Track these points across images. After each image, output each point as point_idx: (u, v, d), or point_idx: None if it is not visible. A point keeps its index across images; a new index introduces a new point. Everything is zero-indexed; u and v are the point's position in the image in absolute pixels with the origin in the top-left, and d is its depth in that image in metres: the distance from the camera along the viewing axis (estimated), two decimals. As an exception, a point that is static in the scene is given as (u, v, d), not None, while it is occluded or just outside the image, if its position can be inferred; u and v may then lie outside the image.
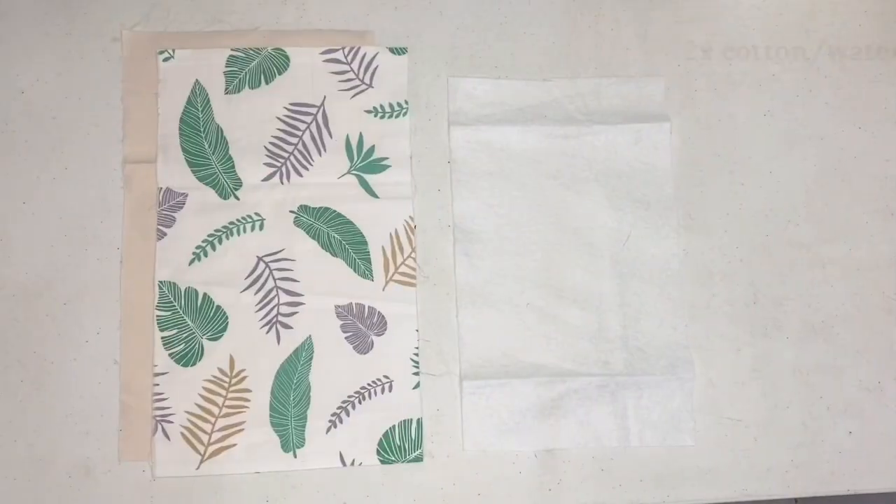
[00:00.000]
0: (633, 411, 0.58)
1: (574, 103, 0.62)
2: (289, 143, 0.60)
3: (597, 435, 0.58)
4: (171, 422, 0.56)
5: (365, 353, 0.58)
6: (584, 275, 0.60)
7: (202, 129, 0.60)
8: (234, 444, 0.56)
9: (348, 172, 0.60)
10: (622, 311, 0.60)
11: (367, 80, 0.61)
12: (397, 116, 0.61)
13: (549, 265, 0.60)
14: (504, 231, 0.61)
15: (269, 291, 0.58)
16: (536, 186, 0.61)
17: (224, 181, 0.59)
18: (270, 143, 0.60)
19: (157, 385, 0.57)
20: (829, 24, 0.65)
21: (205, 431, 0.56)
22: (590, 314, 0.60)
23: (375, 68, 0.62)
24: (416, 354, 0.58)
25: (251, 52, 0.61)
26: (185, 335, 0.57)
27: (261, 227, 0.59)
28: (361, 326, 0.58)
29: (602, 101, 0.63)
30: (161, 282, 0.58)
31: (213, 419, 0.56)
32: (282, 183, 0.60)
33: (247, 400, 0.57)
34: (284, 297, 0.58)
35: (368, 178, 0.60)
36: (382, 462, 0.57)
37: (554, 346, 0.59)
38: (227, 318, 0.58)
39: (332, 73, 0.61)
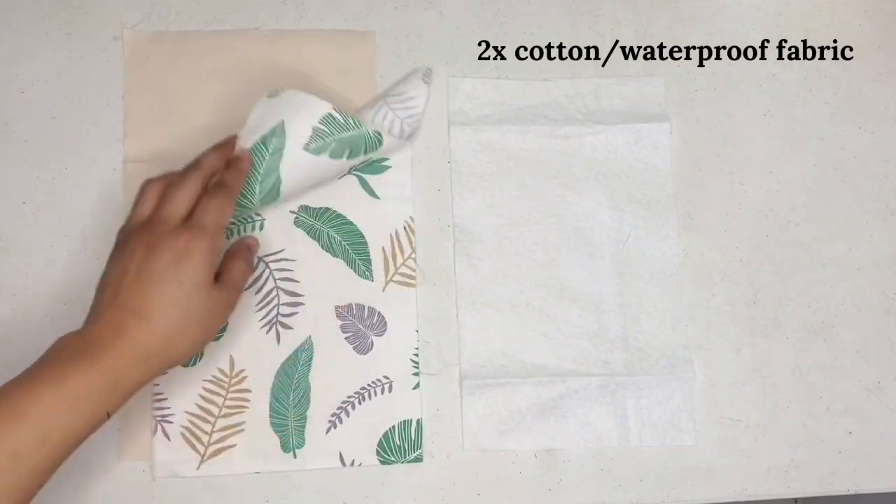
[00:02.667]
0: (634, 411, 0.58)
1: (574, 103, 0.62)
2: (289, 144, 0.60)
3: (597, 435, 0.58)
4: (171, 422, 0.56)
5: (365, 354, 0.58)
6: (584, 274, 0.60)
7: (202, 130, 0.60)
8: (234, 445, 0.56)
9: (349, 173, 0.60)
10: (622, 311, 0.60)
11: (367, 81, 0.61)
12: (398, 116, 0.61)
13: (549, 265, 0.60)
14: (504, 231, 0.61)
15: (270, 292, 0.58)
16: (536, 186, 0.61)
17: (224, 181, 0.59)
18: (271, 143, 0.60)
19: (157, 385, 0.57)
20: (829, 24, 0.65)
21: (205, 432, 0.56)
22: (590, 314, 0.60)
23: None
24: (416, 355, 0.58)
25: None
26: (185, 335, 0.57)
27: (261, 228, 0.59)
28: (361, 327, 0.58)
29: (602, 102, 0.63)
30: (161, 282, 0.58)
31: (213, 419, 0.57)
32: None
33: (247, 400, 0.57)
34: (284, 298, 0.58)
35: (369, 178, 0.60)
36: (382, 462, 0.57)
37: (554, 345, 0.59)
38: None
39: (333, 73, 0.61)
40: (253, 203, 0.55)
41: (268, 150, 0.54)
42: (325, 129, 0.55)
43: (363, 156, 0.58)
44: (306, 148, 0.55)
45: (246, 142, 0.54)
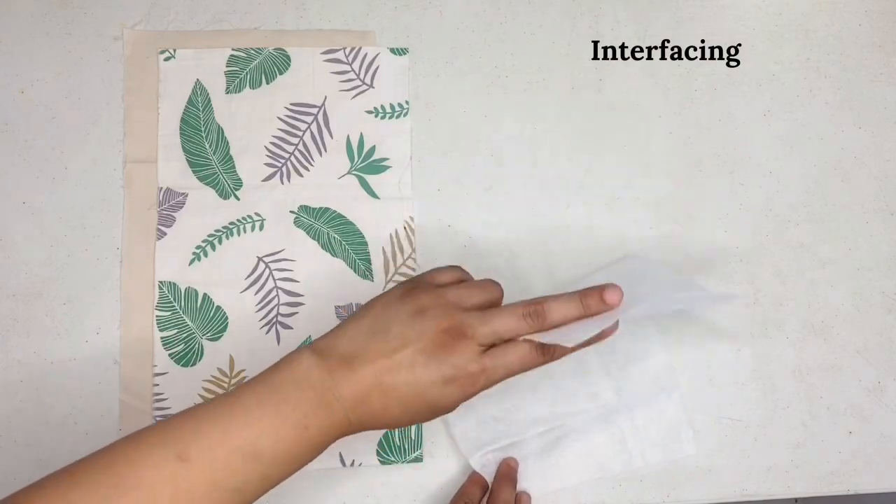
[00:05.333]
0: (631, 433, 0.57)
1: None
2: (289, 144, 0.60)
3: (600, 465, 0.57)
4: (172, 422, 0.56)
5: (365, 354, 0.58)
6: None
7: (203, 129, 0.60)
8: (235, 445, 0.56)
9: (349, 173, 0.60)
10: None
11: (367, 81, 0.61)
12: (398, 117, 0.61)
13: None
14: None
15: (270, 292, 0.58)
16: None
17: (224, 181, 0.59)
18: (271, 143, 0.60)
19: (157, 385, 0.57)
20: (829, 24, 0.65)
21: (205, 431, 0.56)
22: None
23: (376, 69, 0.62)
24: (417, 354, 0.58)
25: (252, 51, 0.61)
26: (184, 335, 0.57)
27: (261, 228, 0.59)
28: (362, 326, 0.58)
29: None
30: (161, 282, 0.58)
31: (213, 419, 0.56)
32: (282, 183, 0.60)
33: (247, 400, 0.57)
34: (284, 298, 0.58)
35: (369, 178, 0.60)
36: (382, 462, 0.57)
37: (542, 393, 0.57)
38: (226, 318, 0.58)
39: (333, 73, 0.61)
40: (211, 159, 0.59)
41: (199, 109, 0.60)
42: (235, 69, 0.60)
43: (280, 76, 0.61)
44: (228, 91, 0.60)
45: None
